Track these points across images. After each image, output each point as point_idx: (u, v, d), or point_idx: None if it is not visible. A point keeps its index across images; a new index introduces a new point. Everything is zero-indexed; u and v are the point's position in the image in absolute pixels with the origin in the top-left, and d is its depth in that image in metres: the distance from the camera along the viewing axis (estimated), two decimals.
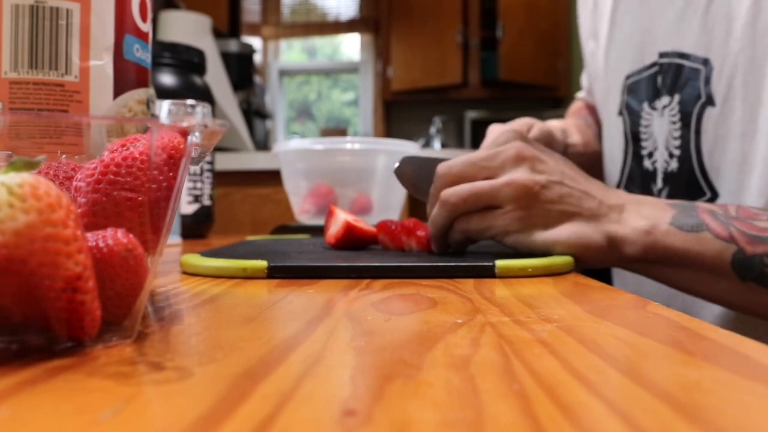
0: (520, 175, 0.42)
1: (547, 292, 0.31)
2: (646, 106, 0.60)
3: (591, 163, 0.73)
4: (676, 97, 0.56)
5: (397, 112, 3.42)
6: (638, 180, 0.62)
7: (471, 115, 3.20)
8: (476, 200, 0.43)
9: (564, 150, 0.67)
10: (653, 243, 0.41)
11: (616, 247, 0.42)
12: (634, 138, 0.62)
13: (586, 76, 0.81)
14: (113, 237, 0.19)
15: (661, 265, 0.42)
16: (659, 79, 0.58)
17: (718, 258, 0.40)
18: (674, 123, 0.56)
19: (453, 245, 0.45)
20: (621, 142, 0.65)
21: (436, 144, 3.04)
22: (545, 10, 3.03)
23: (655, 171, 0.59)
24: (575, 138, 0.71)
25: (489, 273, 0.37)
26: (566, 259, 0.40)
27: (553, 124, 0.69)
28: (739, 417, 0.13)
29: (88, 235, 0.18)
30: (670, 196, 0.57)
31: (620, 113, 0.65)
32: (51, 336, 0.18)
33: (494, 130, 0.61)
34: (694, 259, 0.41)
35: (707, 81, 0.53)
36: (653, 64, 0.59)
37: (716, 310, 0.53)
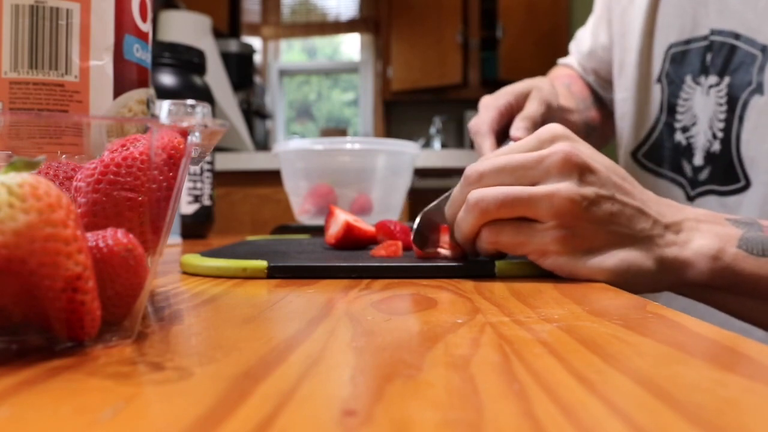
0: (565, 186, 0.35)
1: (547, 292, 0.31)
2: (689, 79, 0.58)
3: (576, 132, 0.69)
4: (726, 80, 0.54)
5: (397, 112, 3.42)
6: (668, 150, 0.61)
7: (471, 115, 3.19)
8: (511, 208, 0.36)
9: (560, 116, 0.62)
10: (722, 269, 0.36)
11: (675, 272, 0.36)
12: (669, 108, 0.60)
13: (587, 40, 0.78)
14: (113, 237, 0.19)
15: (722, 291, 0.37)
16: (708, 57, 0.56)
17: None
18: (720, 105, 0.54)
19: (478, 255, 0.39)
20: (655, 108, 0.62)
21: (436, 144, 3.04)
22: (545, 10, 3.03)
23: (689, 146, 0.58)
24: (561, 101, 0.66)
25: (489, 273, 0.37)
26: None
27: (543, 83, 0.62)
28: (739, 417, 0.13)
29: (88, 235, 0.18)
30: (710, 177, 0.56)
31: (659, 80, 0.62)
32: (51, 336, 0.18)
33: (487, 104, 0.58)
34: (765, 287, 0.36)
35: (761, 68, 0.51)
36: (703, 38, 0.56)
37: None
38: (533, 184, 0.36)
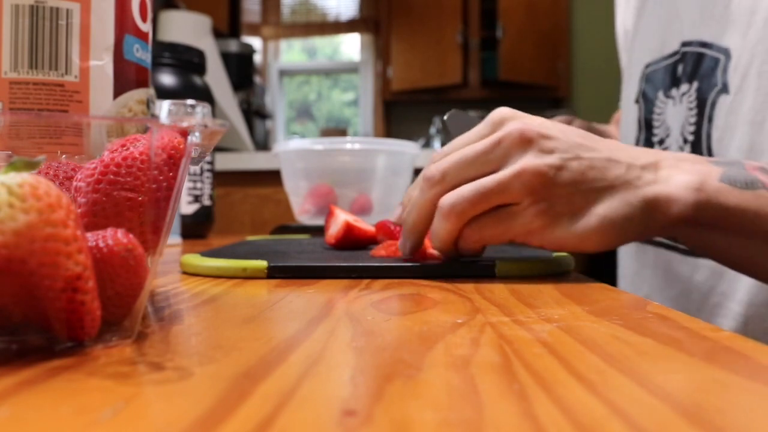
0: (529, 161, 0.35)
1: (547, 292, 0.31)
2: (661, 94, 0.61)
3: None
4: (695, 85, 0.56)
5: (397, 112, 3.42)
6: None
7: (471, 115, 3.19)
8: (485, 201, 0.36)
9: None
10: (706, 201, 0.35)
11: (660, 210, 0.35)
12: (647, 125, 0.63)
13: None
14: (113, 237, 0.19)
15: (710, 229, 0.36)
16: (680, 68, 0.58)
17: None
18: (691, 110, 0.56)
19: (466, 255, 0.39)
20: (635, 128, 0.65)
21: (436, 144, 3.04)
22: (545, 10, 3.03)
23: None
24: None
25: (489, 273, 0.37)
26: (566, 259, 0.40)
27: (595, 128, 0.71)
28: (739, 417, 0.13)
29: (88, 235, 0.18)
30: None
31: (637, 101, 0.65)
32: (51, 336, 0.18)
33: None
34: (751, 220, 0.35)
35: (725, 70, 0.53)
36: (674, 54, 0.59)
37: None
38: (496, 169, 0.36)
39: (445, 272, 0.37)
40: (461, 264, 0.38)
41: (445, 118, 0.46)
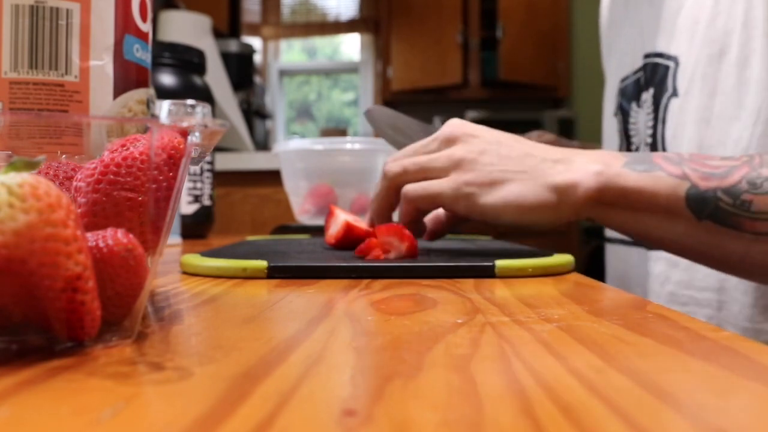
0: (458, 147, 0.44)
1: (547, 292, 0.31)
2: (634, 105, 0.66)
3: None
4: (651, 91, 0.62)
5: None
6: None
7: (471, 115, 3.19)
8: (417, 169, 0.44)
9: None
10: (605, 183, 0.41)
11: (567, 194, 0.41)
12: (626, 136, 0.68)
13: None
14: (113, 237, 0.19)
15: (616, 207, 0.42)
16: (641, 79, 0.64)
17: (672, 195, 0.40)
18: (648, 114, 0.62)
19: (407, 224, 0.45)
20: (617, 140, 0.70)
21: None
22: (545, 10, 3.03)
23: None
24: None
25: (489, 273, 0.37)
26: (566, 259, 0.40)
27: None
28: (739, 417, 0.13)
29: (88, 235, 0.18)
30: None
31: (615, 114, 0.71)
32: (51, 336, 0.18)
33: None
34: (649, 198, 0.40)
35: (674, 76, 0.58)
36: (640, 68, 0.65)
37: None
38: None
39: (445, 272, 0.37)
40: (461, 264, 0.38)
41: (366, 110, 0.56)
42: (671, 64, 0.59)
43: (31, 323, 0.18)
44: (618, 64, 0.71)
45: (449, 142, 0.44)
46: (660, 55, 0.61)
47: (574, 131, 2.81)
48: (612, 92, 0.72)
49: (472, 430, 0.12)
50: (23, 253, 0.16)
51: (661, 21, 0.61)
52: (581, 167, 0.42)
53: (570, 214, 0.43)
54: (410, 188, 0.45)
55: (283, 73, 3.64)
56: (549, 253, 0.42)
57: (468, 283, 0.34)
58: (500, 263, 0.37)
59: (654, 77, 0.61)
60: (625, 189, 0.41)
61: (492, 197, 0.42)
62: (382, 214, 0.48)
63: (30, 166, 0.17)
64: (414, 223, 0.46)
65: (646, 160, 0.42)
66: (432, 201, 0.44)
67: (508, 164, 0.43)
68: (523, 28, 2.98)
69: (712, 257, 0.43)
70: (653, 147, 0.61)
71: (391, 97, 3.29)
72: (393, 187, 0.46)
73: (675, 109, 0.58)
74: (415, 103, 3.33)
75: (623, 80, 0.69)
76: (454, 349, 0.19)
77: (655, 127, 0.60)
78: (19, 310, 0.17)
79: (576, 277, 0.38)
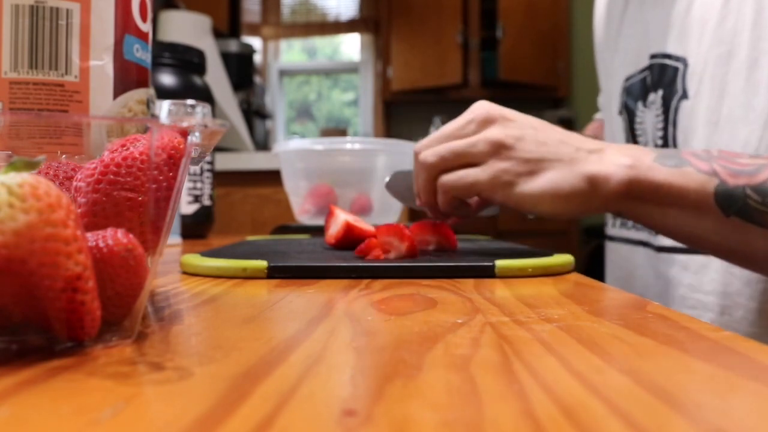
0: (493, 131, 0.43)
1: (547, 292, 0.31)
2: (640, 104, 0.65)
3: None
4: (660, 93, 0.61)
5: (397, 112, 3.42)
6: None
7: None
8: (454, 157, 0.44)
9: None
10: (636, 177, 0.41)
11: (599, 185, 0.42)
12: (632, 135, 0.67)
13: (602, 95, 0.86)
14: (113, 237, 0.19)
15: (645, 202, 0.42)
16: (648, 79, 0.63)
17: (701, 191, 0.40)
18: (658, 116, 0.61)
19: (445, 211, 0.46)
20: (622, 139, 0.70)
21: None
22: (545, 10, 3.03)
23: None
24: None
25: (489, 273, 0.37)
26: (566, 259, 0.40)
27: None
28: (739, 417, 0.13)
29: (88, 235, 0.18)
30: None
31: (620, 113, 0.70)
32: (51, 336, 0.18)
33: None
34: (678, 194, 0.41)
35: (684, 77, 0.58)
36: (646, 68, 0.64)
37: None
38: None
39: (445, 272, 0.37)
40: (461, 264, 0.38)
41: (386, 181, 0.56)
42: (680, 65, 0.58)
43: (31, 323, 0.18)
44: (621, 62, 0.70)
45: (486, 123, 0.44)
46: (668, 56, 0.60)
47: (574, 131, 2.81)
48: (615, 91, 0.71)
49: (472, 430, 0.12)
50: (23, 253, 0.16)
51: (669, 21, 0.60)
52: (614, 160, 0.42)
53: (599, 206, 0.43)
54: (447, 179, 0.44)
55: (283, 73, 3.63)
56: (549, 253, 0.42)
57: (468, 283, 0.34)
58: (500, 263, 0.37)
59: (662, 78, 0.61)
60: (655, 184, 0.41)
61: (529, 186, 0.42)
62: (433, 206, 0.47)
63: (30, 166, 0.17)
64: (456, 208, 0.46)
65: (675, 155, 0.42)
66: (469, 190, 0.44)
67: (545, 152, 0.43)
68: (523, 28, 2.98)
69: (739, 254, 0.43)
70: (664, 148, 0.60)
71: (391, 97, 3.29)
72: (433, 177, 0.45)
73: (685, 112, 0.57)
74: (415, 103, 3.33)
75: (627, 79, 0.68)
76: (454, 349, 0.19)
77: (665, 129, 0.60)
78: (19, 310, 0.17)
79: (576, 277, 0.38)
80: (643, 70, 0.65)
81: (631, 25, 0.69)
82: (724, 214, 0.40)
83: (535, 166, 0.42)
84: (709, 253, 0.46)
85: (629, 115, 0.67)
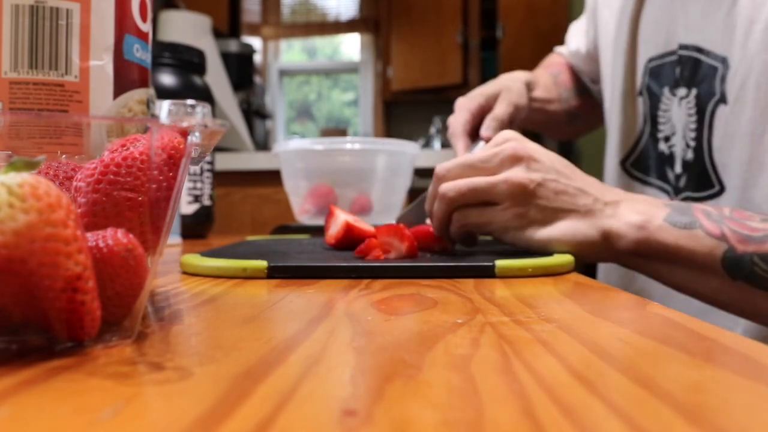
0: (516, 173, 0.43)
1: (547, 292, 0.31)
2: (666, 91, 0.62)
3: (546, 121, 0.77)
4: (693, 91, 0.58)
5: (397, 112, 3.42)
6: (653, 160, 0.64)
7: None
8: (474, 195, 0.44)
9: (528, 103, 0.69)
10: (646, 238, 0.42)
11: (611, 241, 0.43)
12: (652, 119, 0.64)
13: (582, 39, 0.80)
14: (113, 237, 0.19)
15: (653, 260, 0.43)
16: (677, 70, 0.60)
17: (709, 255, 0.41)
18: (690, 116, 0.58)
19: (454, 240, 0.47)
20: (639, 120, 0.66)
21: (436, 144, 3.04)
22: (545, 10, 3.03)
23: (672, 155, 0.61)
24: (539, 93, 0.74)
25: (489, 273, 0.37)
26: (566, 259, 0.40)
27: (519, 76, 0.70)
28: (739, 417, 0.13)
29: (88, 235, 0.18)
30: (687, 183, 0.59)
31: (640, 93, 0.66)
32: (51, 336, 0.18)
33: (462, 106, 0.64)
34: (686, 256, 0.41)
35: (723, 79, 0.54)
36: (673, 53, 0.60)
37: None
38: (490, 176, 0.44)
39: (445, 272, 0.37)
40: (461, 264, 0.38)
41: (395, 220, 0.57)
42: (718, 65, 0.54)
43: (31, 323, 0.18)
44: (645, 39, 0.65)
45: (512, 161, 0.44)
46: (702, 50, 0.56)
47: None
48: (639, 69, 0.66)
49: (472, 430, 0.12)
50: (23, 253, 0.16)
51: (708, 11, 0.55)
52: (625, 218, 0.43)
53: (608, 258, 0.44)
54: (463, 215, 0.45)
55: (283, 73, 3.63)
56: (549, 253, 0.42)
57: (468, 283, 0.34)
58: (500, 263, 0.37)
59: (696, 75, 0.57)
60: (664, 245, 0.42)
61: (541, 234, 0.43)
62: (444, 233, 0.47)
63: (30, 166, 0.17)
64: (463, 235, 0.47)
65: (687, 212, 0.42)
66: (482, 229, 0.45)
67: (563, 201, 0.43)
68: (523, 28, 2.98)
69: (745, 312, 0.44)
70: (698, 151, 0.57)
71: (391, 97, 3.29)
72: (451, 209, 0.45)
73: (723, 118, 0.54)
74: (415, 103, 3.33)
75: (651, 60, 0.64)
76: (454, 349, 0.19)
77: (700, 130, 0.57)
78: (19, 310, 0.17)
79: (576, 277, 0.38)
80: (669, 54, 0.61)
81: (652, 6, 0.64)
82: (731, 278, 0.41)
83: (551, 215, 0.43)
84: (714, 306, 0.46)
85: (652, 99, 0.63)
